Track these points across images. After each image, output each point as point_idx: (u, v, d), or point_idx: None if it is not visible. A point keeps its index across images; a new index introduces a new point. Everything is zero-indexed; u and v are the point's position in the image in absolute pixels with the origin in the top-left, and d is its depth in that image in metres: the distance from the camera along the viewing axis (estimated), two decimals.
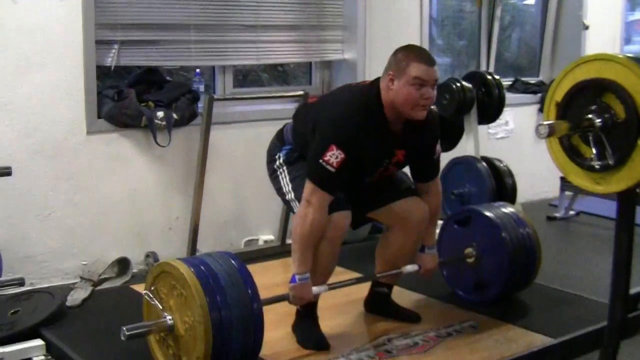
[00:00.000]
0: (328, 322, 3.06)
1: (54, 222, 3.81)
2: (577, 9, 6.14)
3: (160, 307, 2.61)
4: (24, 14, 3.61)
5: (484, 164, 4.61)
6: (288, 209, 3.14)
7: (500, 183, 4.57)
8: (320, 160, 2.71)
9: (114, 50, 3.96)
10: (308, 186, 2.76)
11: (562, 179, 4.85)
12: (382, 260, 3.17)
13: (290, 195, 2.98)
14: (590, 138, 2.41)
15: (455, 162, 4.70)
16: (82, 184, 3.87)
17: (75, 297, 3.48)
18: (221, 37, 4.36)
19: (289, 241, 4.38)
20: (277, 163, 3.05)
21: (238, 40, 4.43)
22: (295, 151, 3.01)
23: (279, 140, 3.11)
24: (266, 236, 4.54)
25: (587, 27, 6.11)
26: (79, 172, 3.85)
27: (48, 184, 3.77)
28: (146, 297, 2.68)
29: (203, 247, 4.17)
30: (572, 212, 5.43)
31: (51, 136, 3.75)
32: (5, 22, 3.58)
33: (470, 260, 3.42)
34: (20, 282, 3.23)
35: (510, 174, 4.67)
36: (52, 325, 3.13)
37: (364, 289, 3.28)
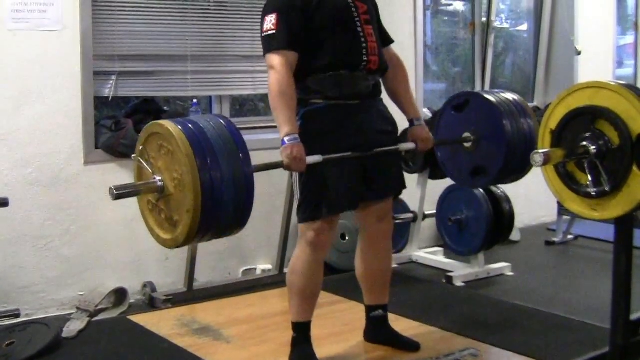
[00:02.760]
0: (326, 352, 3.04)
1: (50, 252, 3.80)
2: (569, 34, 6.19)
3: (150, 171, 2.52)
4: (23, 45, 3.64)
5: (480, 190, 4.62)
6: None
7: (498, 208, 4.57)
8: (263, 34, 2.79)
9: (111, 81, 3.98)
10: (267, 57, 2.79)
11: (559, 204, 4.86)
12: (364, 280, 3.18)
13: (298, 197, 2.92)
14: (586, 165, 2.43)
15: (452, 189, 4.71)
16: (79, 214, 3.87)
17: (72, 328, 3.46)
18: (218, 68, 4.39)
19: (287, 270, 4.39)
20: None
21: (235, 71, 4.47)
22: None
23: None
24: (264, 265, 4.53)
25: (579, 53, 6.16)
26: (76, 202, 3.85)
27: (45, 214, 3.77)
28: (136, 161, 2.59)
29: (200, 277, 4.17)
30: (570, 236, 5.43)
31: (48, 166, 3.76)
32: (4, 53, 3.61)
33: (467, 145, 3.27)
34: (16, 314, 3.23)
35: (507, 199, 4.67)
36: (47, 357, 3.10)
37: (362, 318, 3.26)
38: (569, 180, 2.50)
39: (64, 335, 3.37)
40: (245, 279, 4.36)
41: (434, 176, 4.68)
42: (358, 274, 3.19)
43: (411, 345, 3.19)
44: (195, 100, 4.39)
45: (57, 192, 3.80)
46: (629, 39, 7.32)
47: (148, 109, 4.18)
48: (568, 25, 6.18)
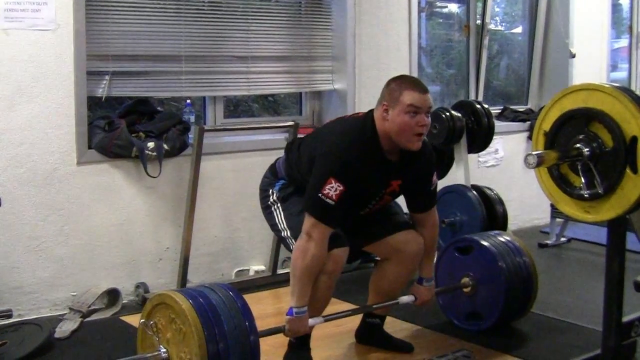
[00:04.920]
0: (320, 353, 3.03)
1: (43, 252, 3.79)
2: (564, 37, 6.21)
3: (157, 339, 2.57)
4: (16, 44, 3.62)
5: (474, 192, 4.62)
6: (283, 245, 3.11)
7: (491, 211, 4.58)
8: (320, 194, 2.69)
9: (105, 81, 3.96)
10: (308, 220, 2.73)
11: (553, 206, 4.87)
12: (376, 291, 3.16)
13: (286, 233, 2.97)
14: (579, 167, 2.43)
15: (445, 191, 4.71)
16: (72, 215, 3.85)
17: (64, 329, 3.45)
18: (212, 68, 4.38)
19: (280, 271, 4.39)
20: (271, 199, 3.05)
21: (229, 71, 4.45)
22: (289, 185, 3.00)
23: (272, 174, 3.11)
24: (257, 266, 4.52)
25: (573, 55, 6.17)
26: (69, 202, 3.84)
27: (38, 214, 3.76)
28: (142, 327, 2.64)
29: (194, 278, 4.15)
30: (563, 239, 5.44)
31: (42, 166, 3.75)
32: None
33: (466, 290, 3.41)
34: (8, 314, 3.21)
35: (500, 201, 4.68)
36: (40, 358, 3.09)
37: (357, 319, 3.27)
38: (562, 182, 2.50)
39: (56, 335, 3.37)
40: (239, 280, 4.35)
41: None
42: (372, 283, 3.19)
43: (404, 347, 3.19)
44: (189, 101, 4.39)
45: (50, 192, 3.78)
46: (624, 42, 7.35)
47: (141, 110, 4.17)
48: (563, 28, 6.20)
